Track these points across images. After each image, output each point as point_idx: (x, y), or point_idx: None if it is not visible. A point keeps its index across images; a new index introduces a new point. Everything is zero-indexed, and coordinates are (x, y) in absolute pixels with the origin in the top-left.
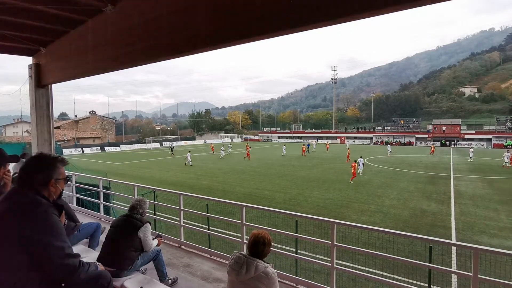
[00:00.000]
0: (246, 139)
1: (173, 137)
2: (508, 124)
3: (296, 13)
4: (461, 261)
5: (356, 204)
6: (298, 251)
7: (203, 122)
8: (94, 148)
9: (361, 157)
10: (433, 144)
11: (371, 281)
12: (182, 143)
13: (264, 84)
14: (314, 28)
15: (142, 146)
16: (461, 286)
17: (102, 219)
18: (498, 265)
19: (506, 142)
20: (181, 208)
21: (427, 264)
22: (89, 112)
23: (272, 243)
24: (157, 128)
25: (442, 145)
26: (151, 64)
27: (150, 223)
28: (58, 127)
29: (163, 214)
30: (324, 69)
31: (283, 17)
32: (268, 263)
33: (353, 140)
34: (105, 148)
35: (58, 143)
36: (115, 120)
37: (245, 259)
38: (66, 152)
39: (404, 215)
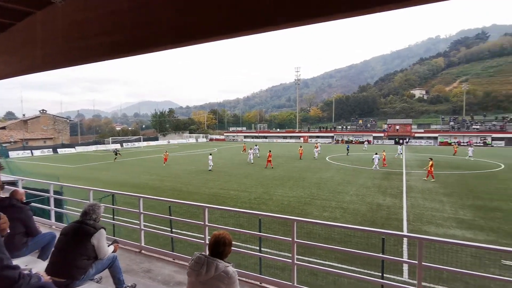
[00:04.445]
0: (211, 139)
1: (134, 137)
2: (452, 123)
3: (264, 12)
4: (411, 250)
5: (318, 201)
6: (264, 249)
7: (166, 122)
8: (45, 150)
9: (376, 154)
10: (455, 144)
11: (332, 274)
12: (145, 143)
13: (230, 84)
14: (287, 28)
15: (101, 147)
16: (412, 274)
17: (54, 227)
18: (441, 252)
19: (441, 139)
20: (141, 211)
21: (379, 255)
22: (39, 111)
23: (233, 243)
24: (117, 128)
25: (396, 143)
26: (110, 60)
27: (105, 229)
28: (3, 128)
29: (123, 219)
30: (288, 70)
31: (254, 15)
32: (228, 263)
33: (316, 139)
34: (58, 150)
35: (4, 145)
36: (70, 120)
37: (206, 259)
38: (13, 155)
39: (362, 210)
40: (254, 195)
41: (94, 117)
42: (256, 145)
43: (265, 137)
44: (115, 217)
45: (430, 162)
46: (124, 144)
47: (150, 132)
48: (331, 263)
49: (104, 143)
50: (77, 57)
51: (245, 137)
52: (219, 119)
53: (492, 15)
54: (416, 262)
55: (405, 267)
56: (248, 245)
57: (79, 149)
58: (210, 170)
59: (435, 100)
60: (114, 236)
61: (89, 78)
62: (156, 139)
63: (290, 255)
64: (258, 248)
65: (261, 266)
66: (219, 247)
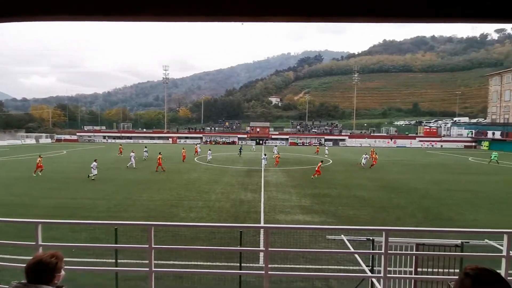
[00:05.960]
0: (59, 140)
1: None
2: (298, 127)
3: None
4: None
5: (186, 201)
6: (126, 260)
7: None
8: None
9: (265, 154)
10: (317, 145)
11: (197, 274)
12: None
13: (85, 76)
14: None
15: None
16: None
17: None
18: (289, 235)
19: (292, 140)
20: None
21: (235, 248)
22: None
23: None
24: None
25: (257, 143)
26: None
27: None
28: None
29: None
30: (156, 68)
31: None
32: (60, 286)
33: (185, 140)
34: None
35: None
36: None
37: None
38: None
39: (227, 207)
40: (113, 202)
41: None
42: (145, 147)
43: (130, 137)
44: None
45: (319, 163)
46: None
47: None
48: (197, 263)
49: None
50: None
51: (104, 137)
52: (70, 116)
53: (325, 41)
54: (264, 248)
55: (261, 254)
56: (105, 260)
57: None
58: (93, 179)
59: (287, 107)
60: None
61: None
62: None
63: (155, 261)
64: (121, 261)
65: (117, 281)
66: (39, 270)
